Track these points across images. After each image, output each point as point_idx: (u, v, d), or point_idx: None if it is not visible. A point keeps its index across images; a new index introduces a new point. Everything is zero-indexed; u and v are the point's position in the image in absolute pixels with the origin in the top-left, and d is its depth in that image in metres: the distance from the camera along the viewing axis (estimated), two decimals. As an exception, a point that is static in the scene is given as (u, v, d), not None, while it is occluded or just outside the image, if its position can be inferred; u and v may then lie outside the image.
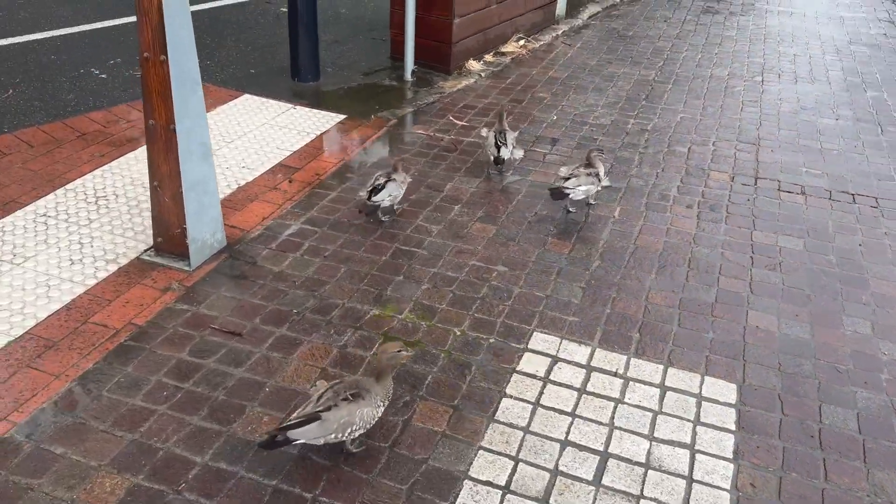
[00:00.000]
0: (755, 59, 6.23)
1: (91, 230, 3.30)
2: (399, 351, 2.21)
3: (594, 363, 2.66)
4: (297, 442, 2.10)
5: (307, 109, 4.74)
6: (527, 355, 2.68)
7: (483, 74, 5.58)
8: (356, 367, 2.59)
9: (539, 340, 2.76)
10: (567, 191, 3.50)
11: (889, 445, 2.37)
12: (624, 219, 3.65)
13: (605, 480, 2.19)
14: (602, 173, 3.59)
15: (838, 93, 5.52)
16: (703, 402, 2.51)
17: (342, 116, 4.70)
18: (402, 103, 4.97)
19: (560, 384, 2.56)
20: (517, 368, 2.62)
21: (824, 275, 3.26)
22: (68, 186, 3.64)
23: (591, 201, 3.73)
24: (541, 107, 5.00)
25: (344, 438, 2.14)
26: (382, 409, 2.21)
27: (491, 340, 2.76)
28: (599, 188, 3.63)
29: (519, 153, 4.03)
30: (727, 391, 2.56)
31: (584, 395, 2.51)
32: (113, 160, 3.91)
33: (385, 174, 3.46)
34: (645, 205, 3.79)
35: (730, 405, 2.50)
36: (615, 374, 2.61)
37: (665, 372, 2.63)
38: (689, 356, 2.72)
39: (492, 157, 3.91)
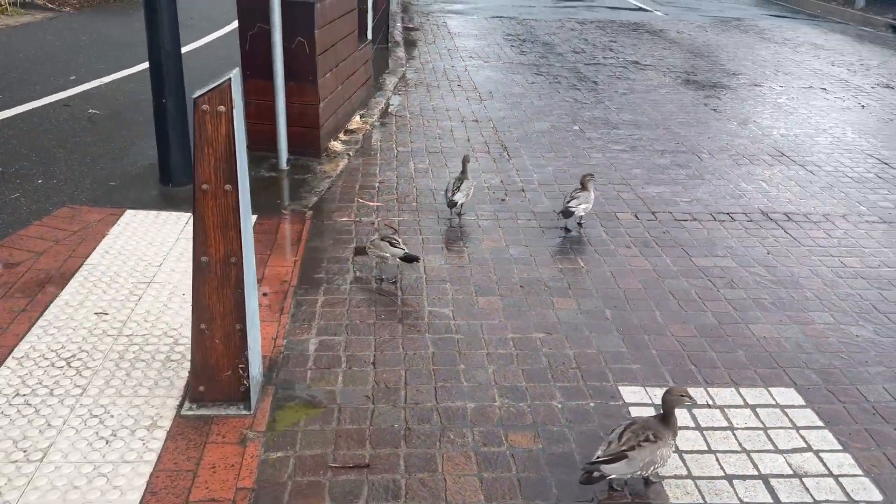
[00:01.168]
0: (559, 112, 7.08)
1: (93, 399, 2.77)
2: (682, 396, 2.41)
3: (686, 400, 2.94)
4: (610, 477, 2.35)
5: (210, 215, 4.37)
6: (632, 409, 2.88)
7: (350, 154, 5.60)
8: (507, 465, 2.57)
9: (629, 393, 2.98)
10: (572, 209, 4.29)
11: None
12: (591, 268, 4.00)
13: (783, 498, 2.48)
14: (593, 196, 4.36)
15: (642, 132, 6.52)
16: (786, 410, 2.92)
17: (253, 216, 4.42)
18: (300, 193, 4.82)
19: (679, 427, 2.79)
20: (636, 423, 2.80)
21: (768, 283, 3.93)
22: (15, 354, 2.99)
23: (581, 221, 4.46)
24: (430, 177, 5.19)
25: (647, 475, 2.37)
26: (673, 446, 2.40)
27: (592, 404, 2.91)
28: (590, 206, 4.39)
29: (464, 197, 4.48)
30: (792, 396, 3.01)
31: (704, 432, 2.78)
32: (42, 311, 3.28)
33: (390, 240, 3.67)
34: (595, 251, 4.19)
35: (804, 406, 2.95)
36: (709, 406, 2.92)
37: (739, 392, 3.01)
38: (744, 374, 3.13)
39: (447, 202, 4.40)
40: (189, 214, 4.28)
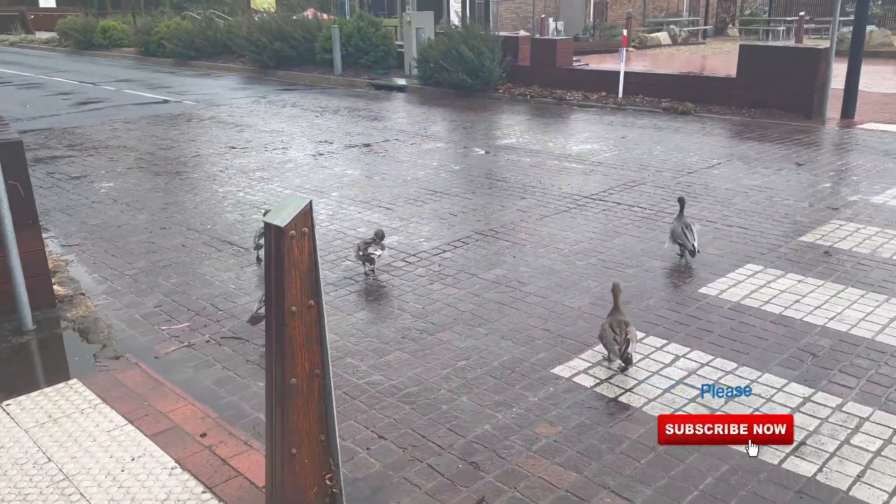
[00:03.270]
0: (243, 208, 7.29)
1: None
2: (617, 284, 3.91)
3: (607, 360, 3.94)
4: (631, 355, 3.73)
5: (24, 399, 3.70)
6: (575, 379, 3.75)
7: (83, 292, 5.05)
8: (561, 449, 3.20)
9: (560, 371, 3.83)
10: (374, 256, 4.87)
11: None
12: (428, 307, 4.66)
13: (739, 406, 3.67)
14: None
15: (343, 192, 7.21)
16: (647, 343, 4.15)
17: (73, 380, 3.88)
18: (88, 346, 4.29)
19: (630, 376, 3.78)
20: (595, 389, 3.68)
21: (538, 275, 5.14)
22: None
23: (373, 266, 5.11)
24: (200, 287, 5.09)
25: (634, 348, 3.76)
26: None
27: (552, 389, 3.67)
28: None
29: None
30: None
31: (627, 373, 3.82)
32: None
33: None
34: (413, 294, 4.84)
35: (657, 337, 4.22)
36: (610, 361, 3.97)
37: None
38: (599, 332, 4.25)
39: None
40: (-2, 405, 3.60)
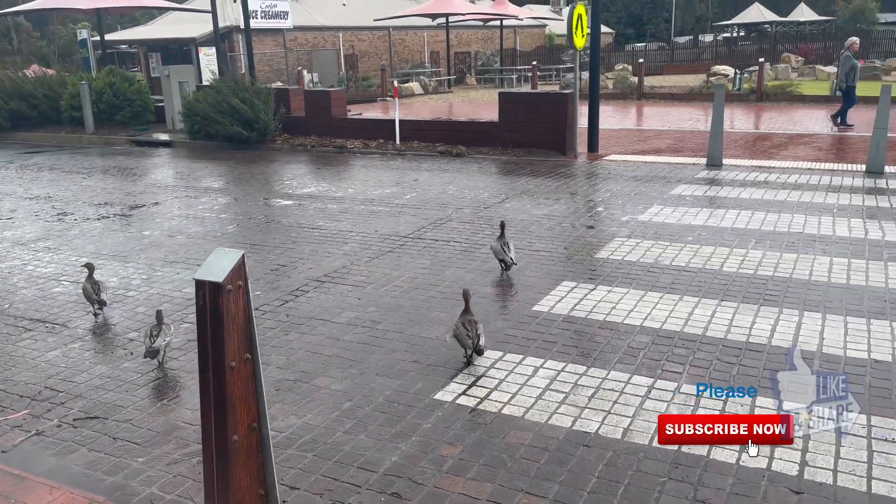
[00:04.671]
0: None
1: None
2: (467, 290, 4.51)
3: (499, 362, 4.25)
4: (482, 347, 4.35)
5: None
6: (458, 400, 4.02)
7: None
8: (465, 466, 3.44)
9: (441, 396, 4.07)
10: (157, 347, 4.44)
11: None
12: (305, 358, 4.66)
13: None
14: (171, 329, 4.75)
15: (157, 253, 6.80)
16: (516, 361, 4.54)
17: None
18: None
19: (510, 391, 4.11)
20: (479, 407, 3.97)
21: (390, 311, 5.36)
22: None
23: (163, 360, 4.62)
24: (20, 370, 4.61)
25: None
26: None
27: (440, 413, 3.91)
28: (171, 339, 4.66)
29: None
30: (503, 354, 4.64)
31: (505, 382, 4.17)
32: None
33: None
34: (291, 348, 4.82)
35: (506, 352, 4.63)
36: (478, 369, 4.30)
37: (503, 359, 4.46)
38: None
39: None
40: None
